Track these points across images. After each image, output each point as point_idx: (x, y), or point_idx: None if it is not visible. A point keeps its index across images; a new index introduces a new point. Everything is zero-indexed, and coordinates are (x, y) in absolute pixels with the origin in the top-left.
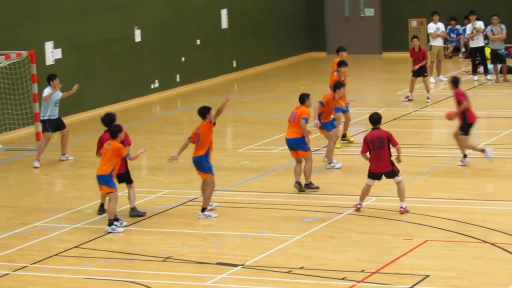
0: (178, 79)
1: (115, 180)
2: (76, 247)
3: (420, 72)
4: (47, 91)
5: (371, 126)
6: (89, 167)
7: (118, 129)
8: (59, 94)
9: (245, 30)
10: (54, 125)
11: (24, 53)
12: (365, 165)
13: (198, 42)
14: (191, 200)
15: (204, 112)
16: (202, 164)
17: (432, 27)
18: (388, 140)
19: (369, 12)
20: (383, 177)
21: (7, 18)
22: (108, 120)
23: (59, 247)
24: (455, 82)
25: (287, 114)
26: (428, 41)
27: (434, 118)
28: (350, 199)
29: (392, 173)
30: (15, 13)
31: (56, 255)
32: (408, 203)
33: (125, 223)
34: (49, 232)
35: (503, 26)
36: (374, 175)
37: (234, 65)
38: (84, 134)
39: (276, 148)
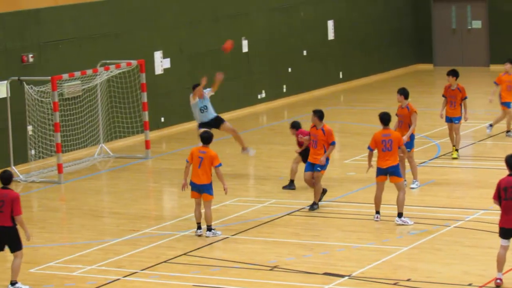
0: (284, 90)
1: None
2: (185, 254)
3: None
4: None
5: (479, 139)
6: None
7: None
8: (203, 101)
9: (352, 41)
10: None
11: (134, 62)
12: (472, 177)
13: (304, 53)
14: (298, 210)
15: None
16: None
17: None
18: None
19: (477, 24)
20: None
21: (118, 28)
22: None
23: (168, 254)
24: None
25: (392, 125)
26: None
27: None
28: (456, 212)
29: None
30: (125, 23)
31: (165, 262)
32: None
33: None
34: (158, 239)
35: None
36: (506, 232)
37: (341, 76)
38: (191, 143)
39: None
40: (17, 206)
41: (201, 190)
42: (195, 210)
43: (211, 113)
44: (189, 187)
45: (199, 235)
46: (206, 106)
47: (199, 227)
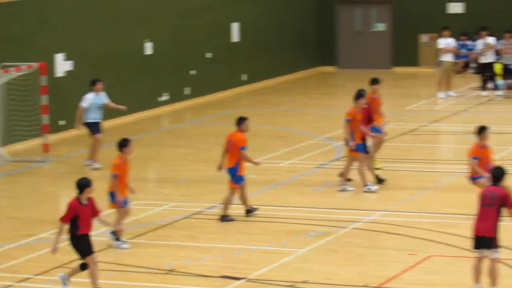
0: (187, 92)
1: None
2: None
3: None
4: (87, 96)
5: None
6: (97, 179)
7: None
8: (103, 99)
9: (256, 44)
10: (99, 128)
11: (35, 64)
12: (370, 178)
13: (208, 55)
14: (196, 213)
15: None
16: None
17: (442, 42)
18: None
19: (381, 26)
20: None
21: (19, 30)
22: None
23: (64, 259)
24: None
25: (297, 128)
26: (438, 56)
27: (441, 133)
28: (355, 213)
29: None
30: (26, 25)
31: (60, 266)
32: (414, 218)
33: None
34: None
35: None
36: (473, 239)
37: (245, 78)
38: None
39: (283, 162)
40: None
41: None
42: None
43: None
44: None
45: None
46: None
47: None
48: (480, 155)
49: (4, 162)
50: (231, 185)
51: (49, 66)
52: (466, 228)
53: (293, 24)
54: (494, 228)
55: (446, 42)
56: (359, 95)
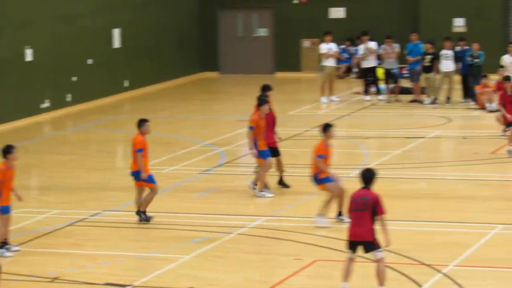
0: (69, 99)
1: None
2: None
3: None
4: None
5: None
6: None
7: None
8: None
9: (138, 50)
10: None
11: None
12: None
13: (90, 61)
14: (79, 221)
15: None
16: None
17: (324, 47)
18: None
19: (262, 32)
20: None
21: None
22: None
23: None
24: None
25: (180, 134)
26: (321, 61)
27: None
28: (240, 219)
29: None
30: None
31: None
32: (299, 223)
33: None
34: None
35: (396, 45)
36: (349, 244)
37: (126, 84)
38: None
39: (167, 168)
40: None
41: None
42: None
43: None
44: None
45: None
46: None
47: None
48: (325, 153)
49: None
50: (144, 184)
51: None
52: None
53: (175, 30)
54: (371, 232)
55: (328, 47)
56: (262, 101)
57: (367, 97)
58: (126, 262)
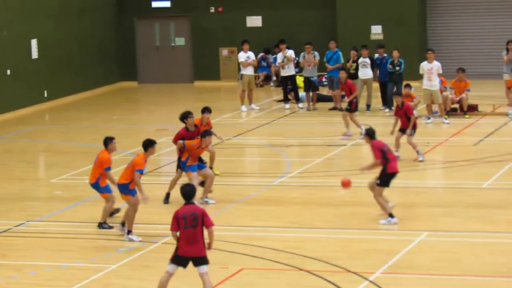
0: None
1: None
2: None
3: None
4: None
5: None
6: None
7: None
8: None
9: (56, 60)
10: None
11: None
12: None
13: (8, 72)
14: (4, 231)
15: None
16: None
17: (242, 56)
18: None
19: (180, 41)
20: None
21: None
22: None
23: None
24: (370, 134)
25: (101, 144)
26: (239, 70)
27: (245, 146)
28: (163, 228)
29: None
30: None
31: None
32: (224, 231)
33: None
34: None
35: (316, 53)
36: (180, 259)
37: (46, 95)
38: None
39: (88, 178)
40: None
41: None
42: None
43: None
44: None
45: None
46: None
47: None
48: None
49: None
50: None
51: None
52: (276, 240)
53: (93, 40)
54: (204, 247)
55: (246, 56)
56: (206, 133)
57: (287, 105)
58: (52, 272)
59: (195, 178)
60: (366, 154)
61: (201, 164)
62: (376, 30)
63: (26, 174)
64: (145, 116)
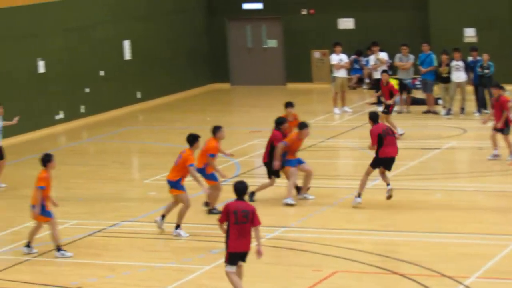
0: (83, 110)
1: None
2: None
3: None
4: None
5: None
6: None
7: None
8: (1, 122)
9: (149, 61)
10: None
11: None
12: (271, 194)
13: (102, 73)
14: (99, 231)
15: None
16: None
17: (334, 58)
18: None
19: (272, 43)
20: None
21: None
22: None
23: None
24: (373, 118)
25: None
26: (332, 72)
27: (338, 149)
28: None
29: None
30: None
31: None
32: (318, 234)
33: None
34: None
35: (411, 56)
36: (233, 256)
37: (139, 96)
38: None
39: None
40: None
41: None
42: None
43: None
44: None
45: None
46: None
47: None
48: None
49: None
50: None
51: None
52: (370, 243)
53: (185, 41)
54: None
55: (339, 58)
56: (303, 125)
57: (380, 108)
58: (146, 273)
59: (293, 173)
60: (461, 157)
61: (299, 159)
62: (470, 33)
63: (120, 174)
64: (238, 118)
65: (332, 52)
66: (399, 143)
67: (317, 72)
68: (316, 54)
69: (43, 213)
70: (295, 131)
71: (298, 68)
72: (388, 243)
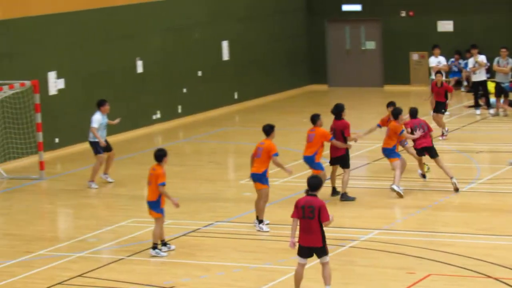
0: (180, 110)
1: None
2: (80, 276)
3: (439, 108)
4: (96, 117)
5: (374, 159)
6: (92, 196)
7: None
8: (107, 119)
9: (246, 62)
10: (107, 147)
11: (28, 83)
12: (367, 197)
13: (199, 73)
14: (193, 231)
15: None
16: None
17: (433, 61)
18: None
19: (370, 45)
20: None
21: (12, 48)
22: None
23: (63, 276)
24: (413, 113)
25: (289, 146)
26: (430, 74)
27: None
28: (352, 231)
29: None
30: (19, 43)
31: (59, 283)
32: (412, 236)
33: (173, 247)
34: (53, 261)
35: (510, 60)
36: (302, 249)
37: (236, 96)
38: (86, 164)
39: (278, 180)
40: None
41: (148, 207)
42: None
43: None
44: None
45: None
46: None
47: (163, 244)
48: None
49: (0, 180)
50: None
51: (42, 84)
52: (464, 247)
53: (283, 43)
54: (322, 239)
55: (437, 61)
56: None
57: (478, 111)
58: (240, 273)
59: (399, 165)
60: None
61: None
62: None
63: (215, 175)
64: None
65: (431, 54)
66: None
67: (415, 74)
68: (415, 56)
69: (156, 209)
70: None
71: (396, 70)
72: (483, 247)
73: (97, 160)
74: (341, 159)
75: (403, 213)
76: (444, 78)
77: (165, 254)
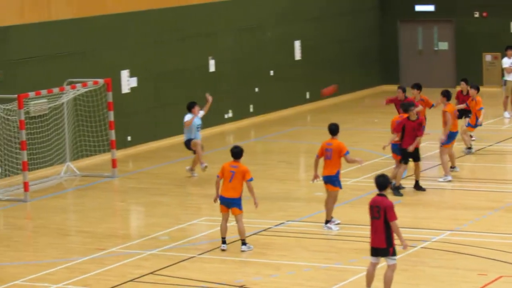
0: (252, 109)
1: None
2: (151, 273)
3: (464, 114)
4: (188, 117)
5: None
6: (164, 194)
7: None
8: (200, 120)
9: (318, 62)
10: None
11: (101, 81)
12: (438, 197)
13: (271, 73)
14: (264, 230)
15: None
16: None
17: (506, 62)
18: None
19: (443, 45)
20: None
21: (85, 47)
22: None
23: (135, 273)
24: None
25: (361, 146)
26: (503, 75)
27: (507, 153)
28: (423, 232)
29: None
30: (92, 42)
31: (131, 280)
32: (483, 238)
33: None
34: (125, 258)
35: None
36: (371, 249)
37: (308, 96)
38: (158, 162)
39: (349, 180)
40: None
41: (230, 204)
42: (221, 224)
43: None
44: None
45: (223, 250)
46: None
47: (223, 242)
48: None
49: (73, 177)
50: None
51: (115, 83)
52: None
53: (355, 43)
54: (386, 240)
55: (510, 62)
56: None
57: (507, 114)
58: (310, 272)
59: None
60: None
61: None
62: None
63: (287, 174)
64: None
65: (504, 55)
66: None
67: (487, 75)
68: (488, 57)
69: (240, 206)
70: None
71: (468, 71)
72: None
73: (197, 150)
74: (414, 153)
75: (475, 214)
76: None
77: (253, 247)
